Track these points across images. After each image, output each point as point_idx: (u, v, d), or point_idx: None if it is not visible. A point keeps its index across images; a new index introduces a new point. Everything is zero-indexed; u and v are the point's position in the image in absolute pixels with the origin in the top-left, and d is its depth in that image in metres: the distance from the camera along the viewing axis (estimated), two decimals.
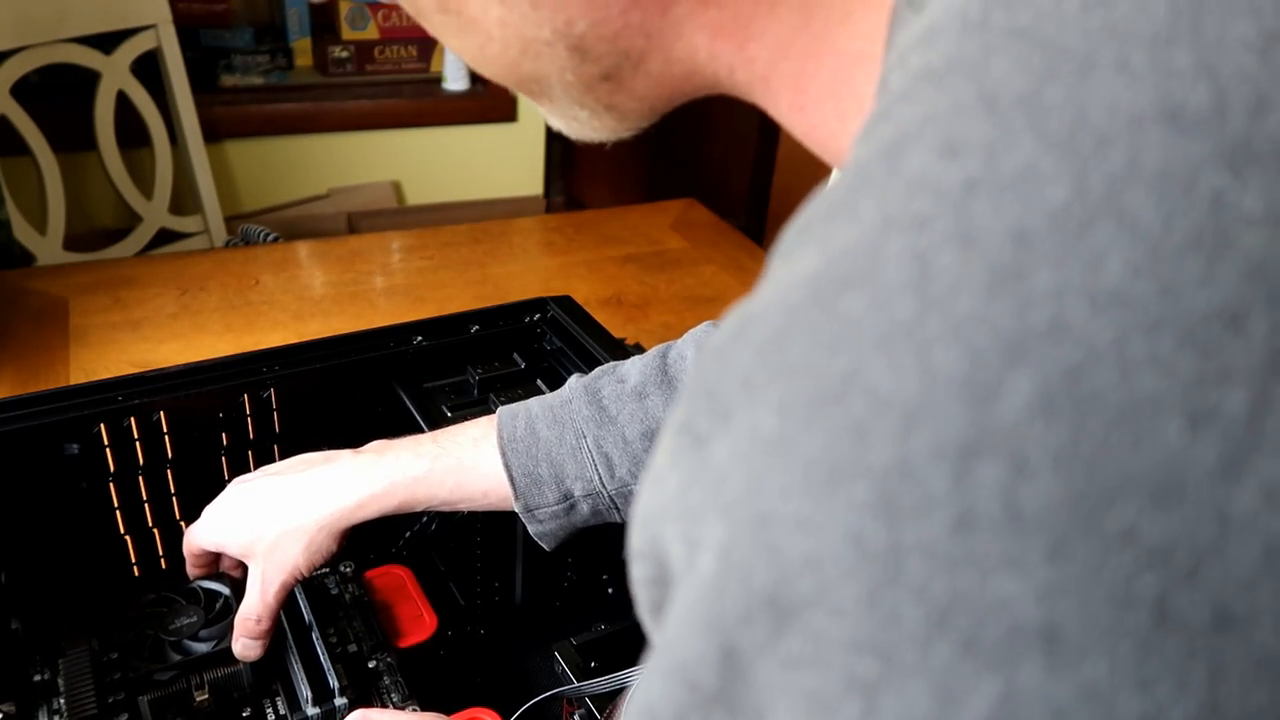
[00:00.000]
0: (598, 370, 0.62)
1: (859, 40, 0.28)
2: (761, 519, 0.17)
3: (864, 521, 0.16)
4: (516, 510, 0.58)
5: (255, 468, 0.70)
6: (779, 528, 0.17)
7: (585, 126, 0.36)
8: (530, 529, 0.59)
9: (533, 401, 0.61)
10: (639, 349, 0.80)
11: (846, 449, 0.17)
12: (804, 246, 0.20)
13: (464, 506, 0.61)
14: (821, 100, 0.30)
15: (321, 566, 0.61)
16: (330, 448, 0.63)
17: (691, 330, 0.63)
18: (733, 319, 0.20)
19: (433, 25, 0.34)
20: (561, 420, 0.59)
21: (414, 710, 0.62)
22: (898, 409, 0.16)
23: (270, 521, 0.60)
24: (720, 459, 0.19)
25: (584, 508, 0.58)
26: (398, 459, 0.60)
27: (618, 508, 0.59)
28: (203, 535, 0.63)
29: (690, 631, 0.19)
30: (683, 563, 0.19)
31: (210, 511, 0.63)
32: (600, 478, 0.58)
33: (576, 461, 0.58)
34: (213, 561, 0.66)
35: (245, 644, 0.62)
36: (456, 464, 0.59)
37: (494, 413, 0.61)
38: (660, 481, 0.21)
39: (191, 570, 0.66)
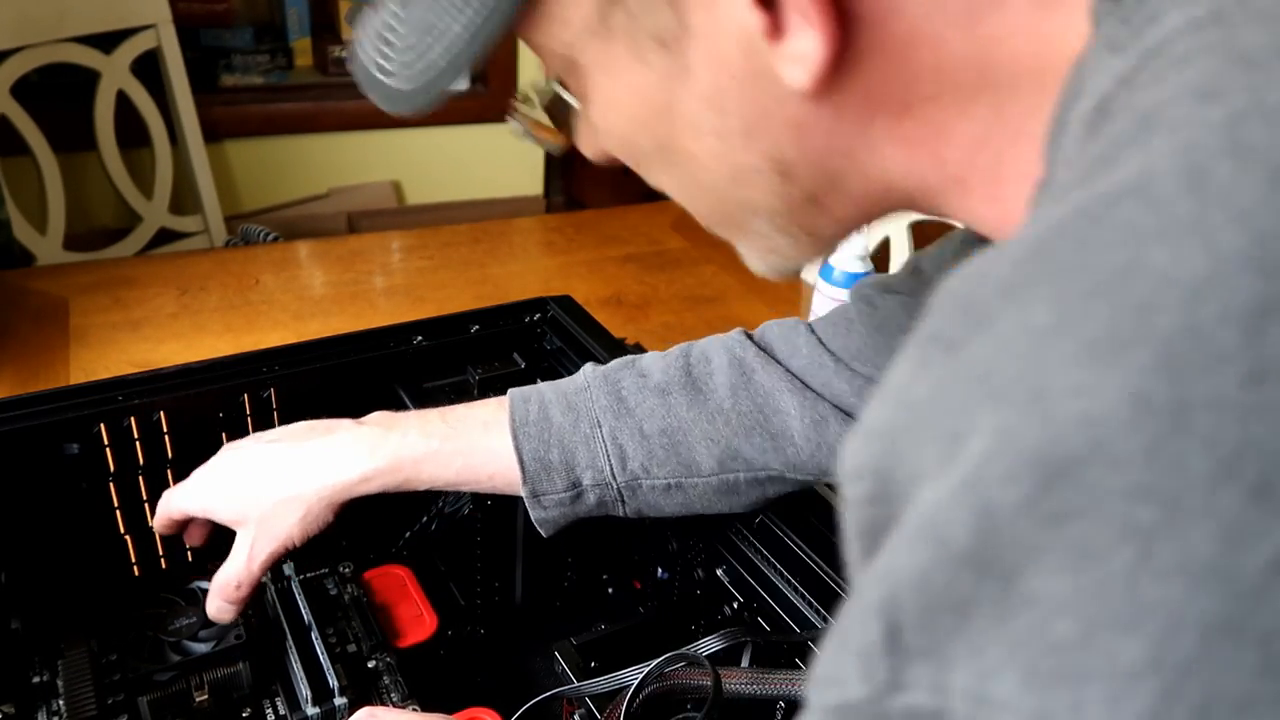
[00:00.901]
0: (615, 362, 0.62)
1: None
2: (1035, 393, 0.18)
3: (1147, 380, 0.17)
4: (522, 494, 0.58)
5: None
6: (1054, 396, 0.18)
7: (784, 258, 0.39)
8: (533, 514, 0.58)
9: (545, 386, 0.61)
10: (639, 349, 0.80)
11: (1129, 323, 0.18)
12: (1051, 202, 0.22)
13: (467, 488, 0.60)
14: (1018, 182, 0.32)
15: (313, 538, 0.60)
16: None
17: (716, 336, 0.63)
18: (975, 259, 0.22)
19: (647, 162, 0.38)
20: (576, 407, 0.59)
21: (414, 710, 0.62)
22: (1184, 285, 0.18)
23: (266, 489, 0.59)
24: (983, 355, 0.20)
25: (590, 498, 0.58)
26: (405, 436, 0.59)
27: (623, 500, 0.58)
28: (188, 499, 0.61)
29: (942, 499, 0.19)
30: (936, 461, 0.20)
31: (201, 475, 0.62)
32: (612, 468, 0.58)
33: (589, 450, 0.58)
34: (184, 525, 0.65)
35: (221, 607, 0.61)
36: (466, 446, 0.59)
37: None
38: (903, 391, 0.22)
39: (159, 529, 0.65)
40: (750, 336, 0.62)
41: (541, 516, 0.58)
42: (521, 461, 0.57)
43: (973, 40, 0.31)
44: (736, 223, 0.38)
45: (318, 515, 0.59)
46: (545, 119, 0.42)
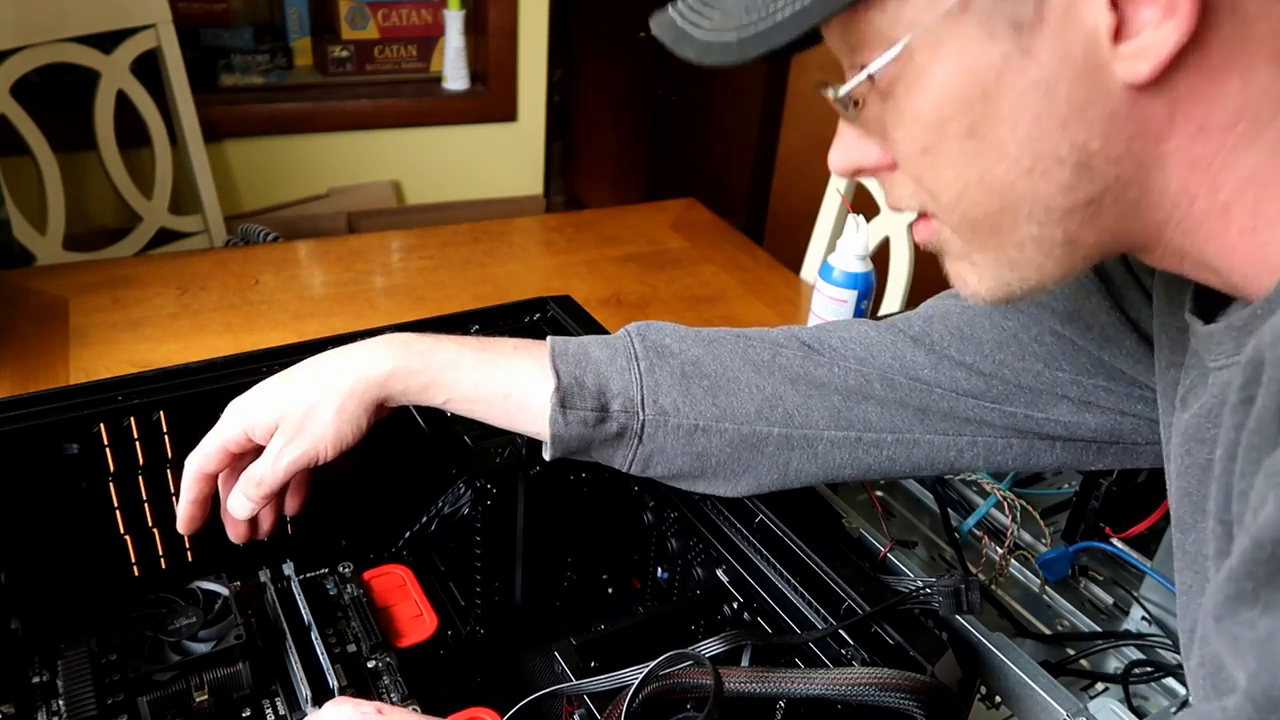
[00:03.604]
0: (654, 322, 0.64)
1: None
2: None
3: None
4: (550, 405, 0.57)
5: None
6: None
7: (1021, 275, 0.41)
8: (551, 428, 0.58)
9: (585, 336, 0.62)
10: None
11: None
12: None
13: (479, 410, 0.60)
14: (1275, 220, 0.37)
15: (347, 450, 0.60)
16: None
17: (779, 327, 0.64)
18: None
19: (941, 151, 0.40)
20: (614, 347, 0.61)
21: (415, 709, 0.62)
22: None
23: (302, 393, 0.60)
24: None
25: (612, 426, 0.59)
26: (437, 340, 0.61)
27: (642, 438, 0.59)
28: (231, 421, 0.61)
29: None
30: None
31: (237, 401, 0.62)
32: (643, 398, 0.58)
33: (623, 380, 0.59)
34: (212, 481, 0.63)
35: (239, 500, 0.62)
36: (490, 360, 0.60)
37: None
38: None
39: (190, 491, 0.62)
40: (803, 330, 0.63)
41: (560, 433, 0.58)
42: (557, 375, 0.58)
43: (1277, 76, 0.35)
44: (1004, 223, 0.40)
45: (351, 413, 0.59)
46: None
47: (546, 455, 0.60)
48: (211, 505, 0.63)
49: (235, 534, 0.65)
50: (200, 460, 0.62)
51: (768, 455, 0.59)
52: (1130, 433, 0.57)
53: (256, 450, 0.61)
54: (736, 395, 0.59)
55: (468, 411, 0.61)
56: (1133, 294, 0.54)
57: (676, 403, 0.59)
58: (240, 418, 0.61)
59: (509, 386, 0.59)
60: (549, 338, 0.61)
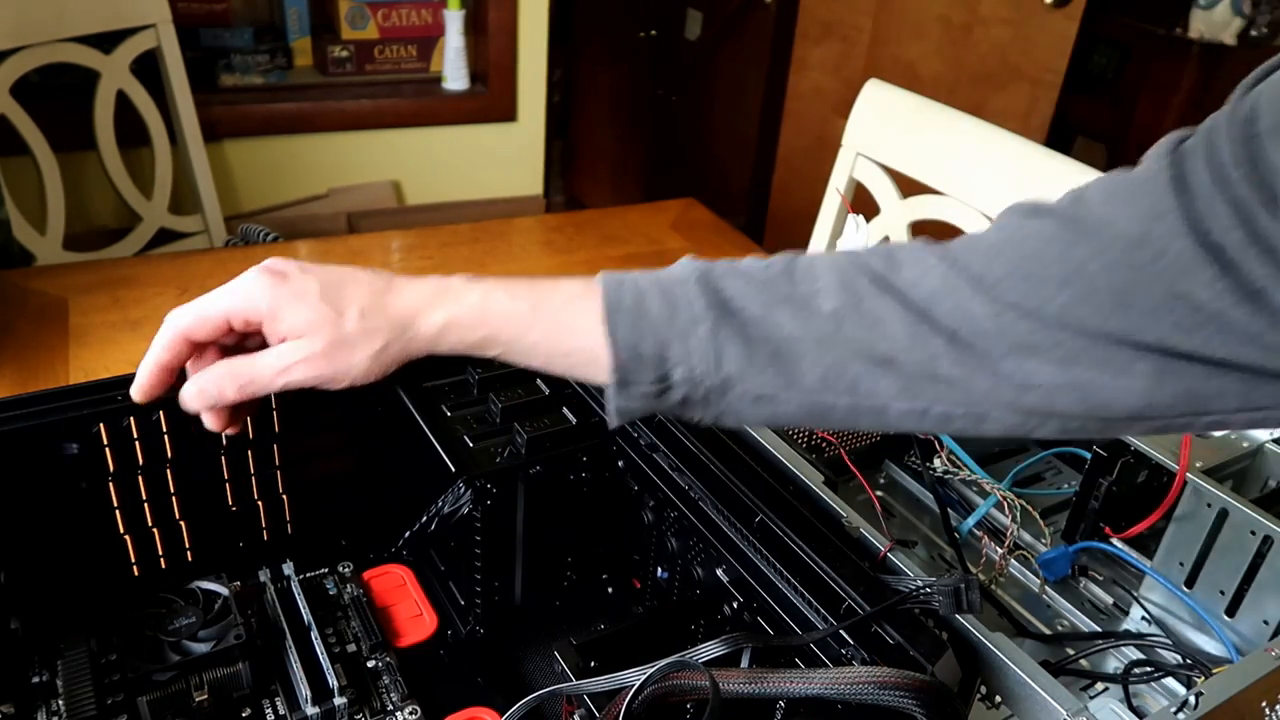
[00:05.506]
0: (716, 264, 0.57)
1: None
2: None
3: None
4: (608, 381, 0.54)
5: (255, 468, 0.70)
6: None
7: None
8: (613, 403, 0.54)
9: (638, 273, 0.56)
10: None
11: None
12: None
13: (537, 363, 0.57)
14: None
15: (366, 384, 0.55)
16: (330, 446, 0.62)
17: (829, 254, 0.57)
18: None
19: None
20: (674, 301, 0.54)
21: (416, 714, 0.62)
22: None
23: (352, 310, 0.54)
24: None
25: (676, 394, 0.54)
26: (490, 292, 0.56)
27: (708, 402, 0.54)
28: (252, 294, 0.54)
29: None
30: None
31: (262, 278, 0.54)
32: (705, 369, 0.53)
33: (684, 346, 0.54)
34: (193, 349, 0.56)
35: (202, 391, 0.54)
36: (549, 317, 0.55)
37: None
38: None
39: (165, 350, 0.55)
40: (873, 254, 0.56)
41: (624, 406, 0.54)
42: (615, 348, 0.53)
43: None
44: None
45: (390, 358, 0.55)
46: None
47: (610, 424, 0.56)
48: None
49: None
50: (193, 321, 0.54)
51: (837, 420, 0.55)
52: (1214, 398, 0.49)
53: (241, 337, 0.56)
54: (799, 364, 0.54)
55: (522, 365, 0.57)
56: (1218, 207, 0.46)
57: (741, 369, 0.53)
58: (265, 298, 0.54)
59: (571, 345, 0.55)
60: (601, 284, 0.55)
